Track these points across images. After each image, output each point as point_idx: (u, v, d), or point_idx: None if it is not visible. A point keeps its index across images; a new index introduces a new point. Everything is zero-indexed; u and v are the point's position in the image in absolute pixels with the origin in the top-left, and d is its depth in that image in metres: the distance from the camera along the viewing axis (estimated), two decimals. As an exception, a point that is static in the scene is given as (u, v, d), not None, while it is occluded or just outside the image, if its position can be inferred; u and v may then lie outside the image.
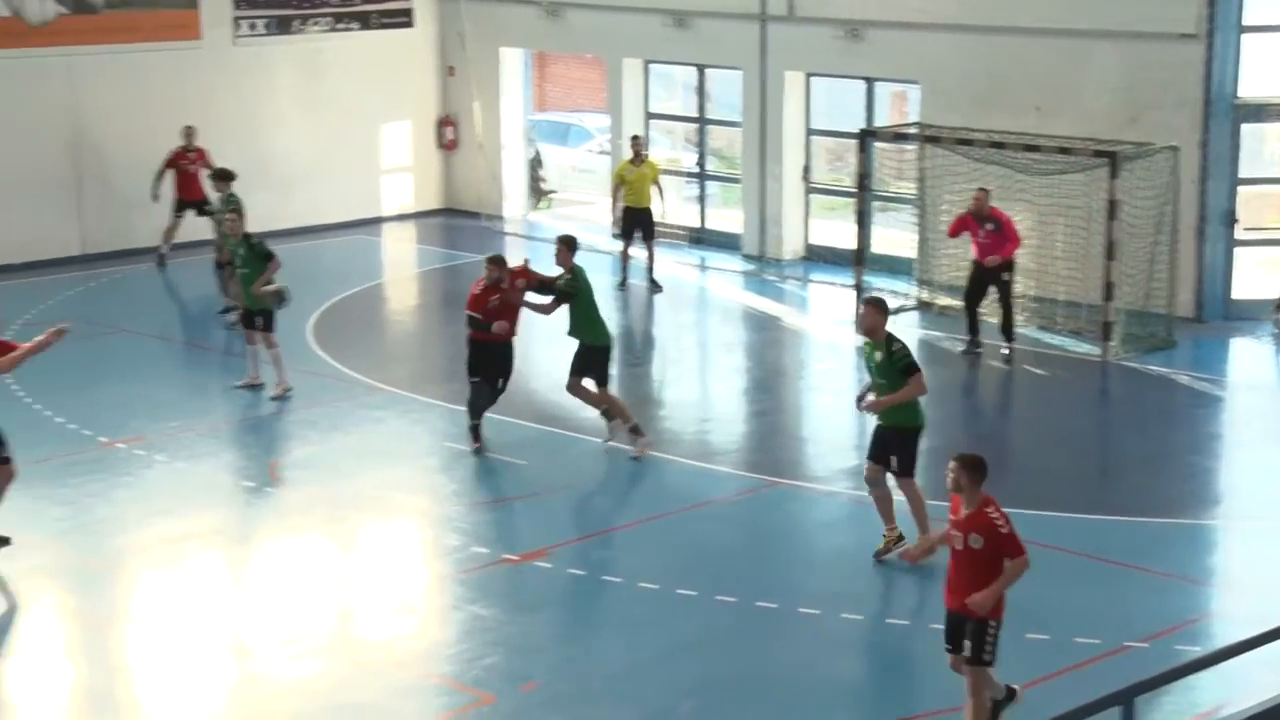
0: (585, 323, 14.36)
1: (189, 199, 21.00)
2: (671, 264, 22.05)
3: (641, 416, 16.08)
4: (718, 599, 11.53)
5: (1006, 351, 17.58)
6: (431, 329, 19.19)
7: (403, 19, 24.86)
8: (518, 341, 14.52)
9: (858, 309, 18.83)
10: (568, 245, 14.52)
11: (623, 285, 20.94)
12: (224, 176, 18.61)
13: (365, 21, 24.38)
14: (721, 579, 11.88)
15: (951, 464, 9.19)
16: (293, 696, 10.22)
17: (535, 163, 26.34)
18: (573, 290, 14.24)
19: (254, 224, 20.84)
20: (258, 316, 16.01)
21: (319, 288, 20.91)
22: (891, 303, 13.61)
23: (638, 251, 20.98)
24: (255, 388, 16.08)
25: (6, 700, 10.08)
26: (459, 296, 20.23)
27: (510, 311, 14.24)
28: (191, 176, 20.90)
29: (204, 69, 22.60)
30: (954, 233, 17.93)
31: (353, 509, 13.46)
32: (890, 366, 11.83)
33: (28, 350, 11.83)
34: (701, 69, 23.64)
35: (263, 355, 16.10)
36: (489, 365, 14.35)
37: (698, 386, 17.74)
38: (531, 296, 14.32)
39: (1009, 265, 17.56)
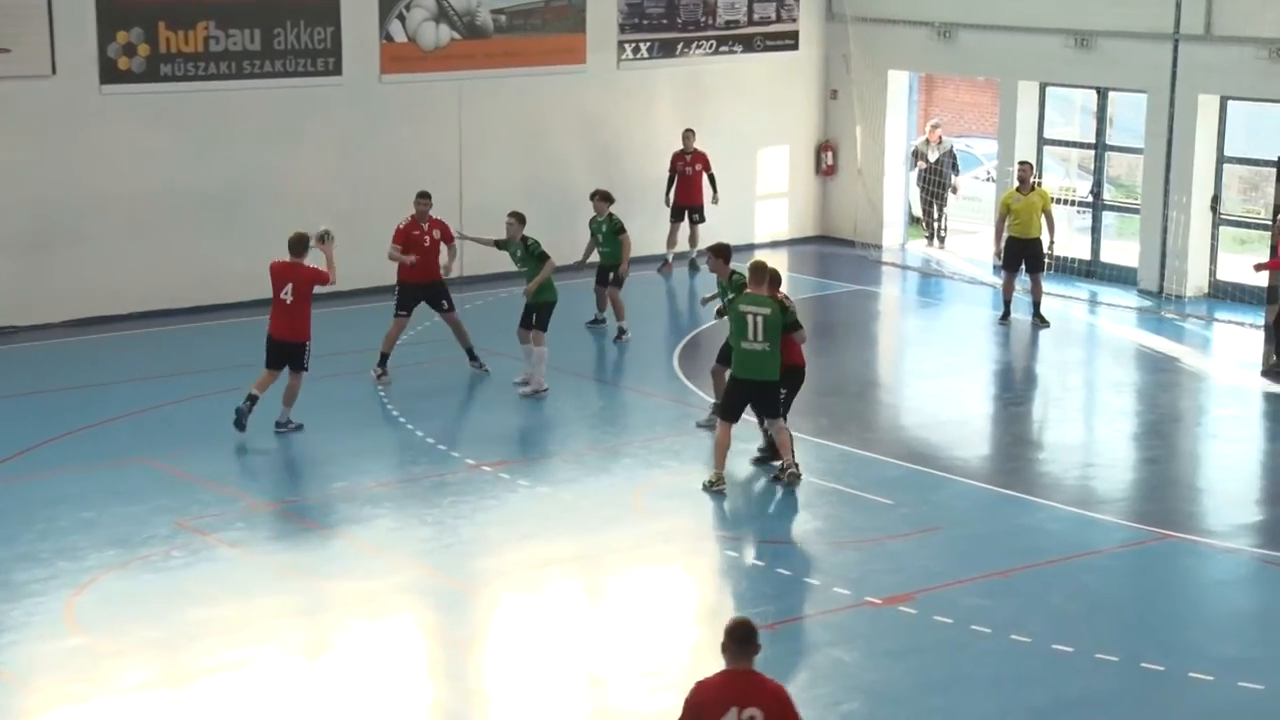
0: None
1: (684, 203, 22.68)
2: (1059, 298, 21.42)
3: (1019, 458, 15.70)
4: (1098, 657, 11.08)
5: None
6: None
7: (788, 42, 25.03)
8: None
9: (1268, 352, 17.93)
10: (721, 255, 15.30)
11: (1005, 319, 20.46)
12: (605, 198, 19.36)
13: (749, 44, 24.65)
14: (1103, 636, 11.43)
15: None
16: (647, 731, 10.31)
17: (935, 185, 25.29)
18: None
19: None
20: (533, 314, 17.01)
21: (688, 315, 21.19)
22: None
23: (1022, 285, 20.46)
24: (527, 384, 17.11)
25: (367, 713, 10.50)
26: (831, 327, 20.28)
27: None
28: (689, 180, 22.54)
29: (587, 92, 23.27)
30: None
31: (713, 541, 13.54)
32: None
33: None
34: (1103, 92, 22.92)
35: (535, 354, 17.06)
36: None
37: (1082, 429, 17.12)
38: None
39: None
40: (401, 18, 21.77)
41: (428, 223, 17.68)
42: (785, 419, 14.36)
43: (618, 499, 14.37)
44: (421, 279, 17.52)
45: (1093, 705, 10.58)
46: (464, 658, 11.38)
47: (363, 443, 15.68)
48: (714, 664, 11.23)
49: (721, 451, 14.26)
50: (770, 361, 14.02)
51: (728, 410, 14.33)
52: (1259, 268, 18.42)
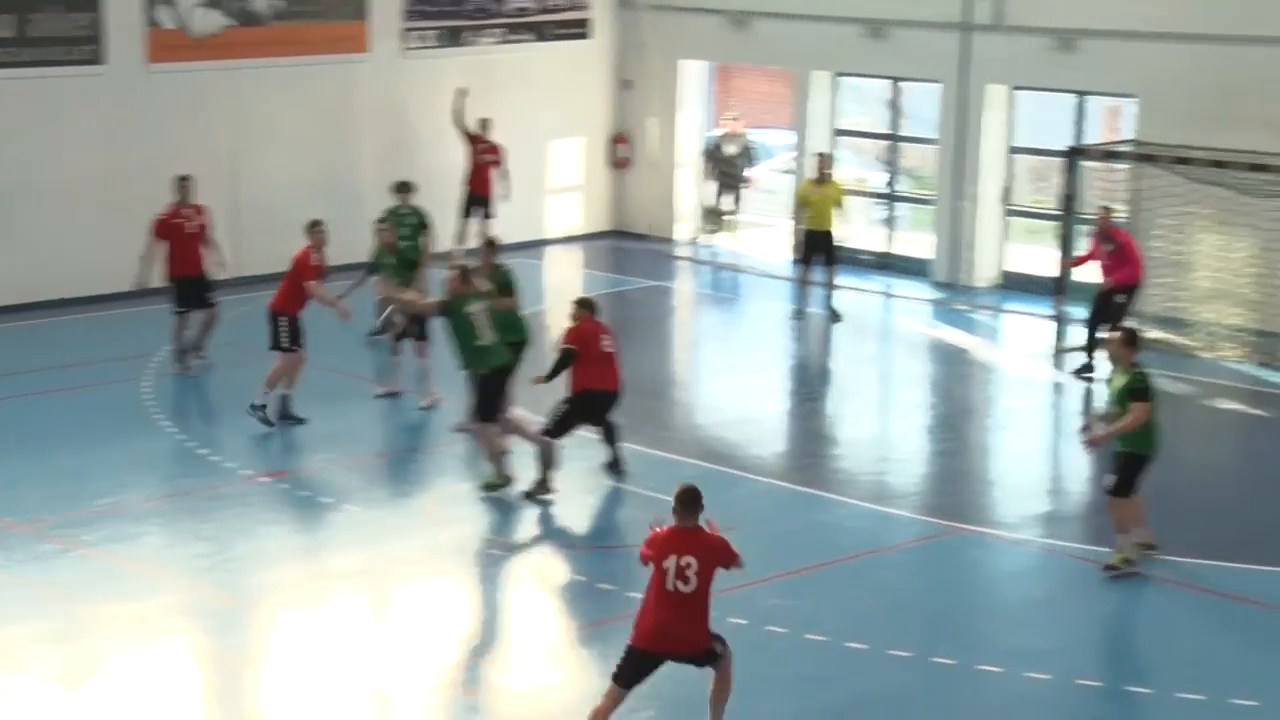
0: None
1: (479, 192, 22.37)
2: (853, 291, 21.84)
3: (815, 454, 15.99)
4: (891, 653, 11.38)
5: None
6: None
7: (578, 30, 25.11)
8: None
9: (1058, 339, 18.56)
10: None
11: (800, 314, 20.81)
12: (403, 189, 19.11)
13: (539, 33, 24.67)
14: (896, 632, 11.73)
15: None
16: (432, 748, 10.30)
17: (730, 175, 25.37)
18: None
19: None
20: (416, 325, 16.94)
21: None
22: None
23: (817, 278, 20.84)
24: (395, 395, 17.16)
25: (137, 742, 10.32)
26: (627, 324, 20.38)
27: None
28: (483, 168, 22.22)
29: (371, 82, 23.07)
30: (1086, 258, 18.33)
31: (508, 549, 13.55)
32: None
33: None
34: (896, 82, 23.43)
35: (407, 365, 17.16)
36: None
37: (877, 423, 17.52)
38: None
39: (1126, 289, 17.76)
40: (170, 2, 21.34)
41: (190, 209, 17.75)
42: (556, 434, 14.43)
43: (407, 508, 14.30)
44: (188, 272, 17.65)
45: (885, 702, 10.86)
46: (240, 680, 11.21)
47: (127, 454, 15.31)
48: (500, 680, 11.36)
49: (498, 452, 14.27)
50: (499, 350, 14.38)
51: (486, 410, 14.34)
52: (1071, 264, 18.90)
